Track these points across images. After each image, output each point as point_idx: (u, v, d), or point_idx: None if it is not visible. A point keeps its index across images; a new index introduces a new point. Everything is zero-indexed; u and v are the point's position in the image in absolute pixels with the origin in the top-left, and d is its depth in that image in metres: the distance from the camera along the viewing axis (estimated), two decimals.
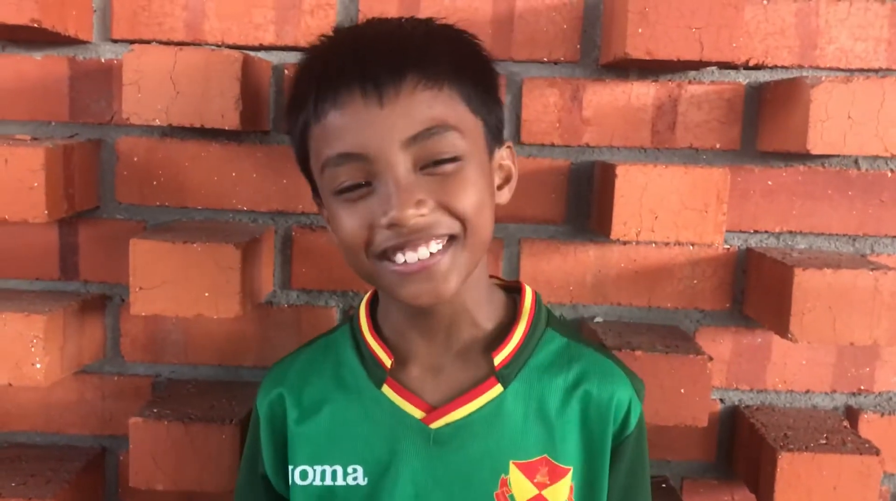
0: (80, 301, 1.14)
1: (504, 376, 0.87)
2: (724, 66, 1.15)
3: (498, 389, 0.86)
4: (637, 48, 1.01)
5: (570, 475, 0.86)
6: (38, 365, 1.04)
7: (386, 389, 0.88)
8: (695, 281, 1.19)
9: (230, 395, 1.15)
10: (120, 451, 1.23)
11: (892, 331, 1.03)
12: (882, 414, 1.20)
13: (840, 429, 1.14)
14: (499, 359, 0.87)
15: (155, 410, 1.09)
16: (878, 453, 1.07)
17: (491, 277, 0.95)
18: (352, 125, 0.79)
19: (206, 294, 1.03)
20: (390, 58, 0.79)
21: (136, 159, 1.17)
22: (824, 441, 1.09)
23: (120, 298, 1.20)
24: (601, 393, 0.87)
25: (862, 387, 1.21)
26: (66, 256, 1.19)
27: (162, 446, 1.06)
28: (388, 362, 0.88)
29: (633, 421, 0.88)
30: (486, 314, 0.90)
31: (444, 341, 0.89)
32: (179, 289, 1.03)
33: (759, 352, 1.20)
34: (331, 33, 0.88)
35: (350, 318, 0.95)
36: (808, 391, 1.21)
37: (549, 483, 0.85)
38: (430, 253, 0.80)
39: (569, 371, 0.88)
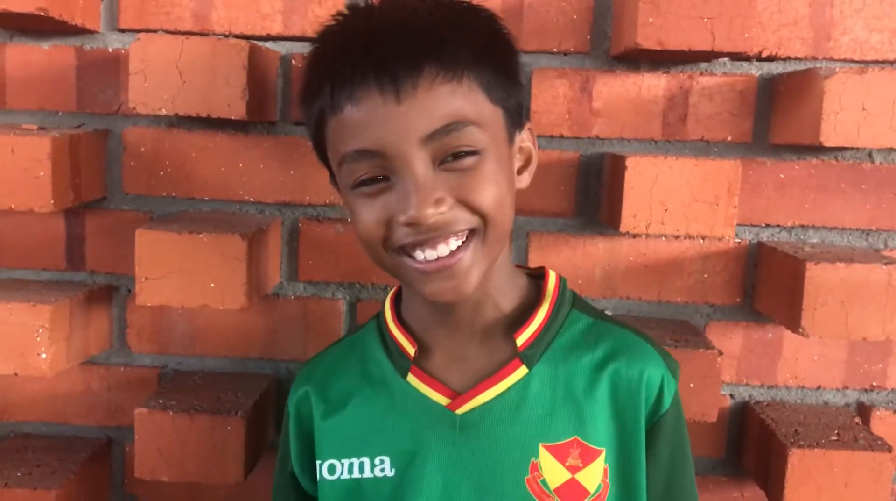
0: (87, 292, 1.13)
1: (528, 357, 0.85)
2: (737, 57, 1.13)
3: (523, 371, 0.85)
4: (648, 38, 1.00)
5: (602, 456, 0.84)
6: (44, 355, 1.03)
7: (411, 378, 0.87)
8: (705, 275, 1.17)
9: (236, 387, 1.15)
10: (126, 442, 1.22)
11: None
12: (894, 411, 1.18)
13: (852, 426, 1.12)
14: (521, 340, 0.86)
15: (161, 401, 1.08)
16: (890, 450, 1.05)
17: (517, 266, 0.95)
18: (369, 121, 0.77)
19: (212, 285, 1.02)
20: (407, 50, 0.77)
21: (143, 150, 1.16)
22: (835, 438, 1.08)
23: (126, 288, 1.20)
24: (631, 370, 0.85)
25: (874, 383, 1.19)
26: (73, 246, 1.19)
27: (167, 437, 1.05)
28: (411, 351, 0.88)
29: (668, 399, 0.85)
30: (510, 299, 0.89)
31: (468, 327, 0.88)
32: (185, 280, 1.02)
33: (769, 347, 1.19)
34: (345, 12, 0.86)
35: (376, 315, 0.95)
36: (819, 387, 1.19)
37: (581, 465, 0.83)
38: (451, 250, 0.79)
39: (595, 349, 0.86)
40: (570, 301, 0.90)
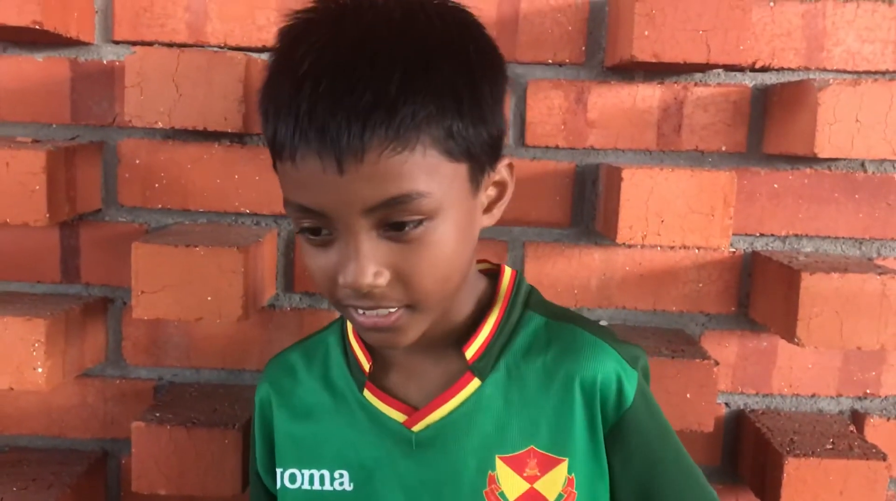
0: (82, 305, 1.13)
1: (480, 368, 0.83)
2: (730, 68, 1.14)
3: (475, 383, 0.83)
4: (644, 51, 1.01)
5: (564, 465, 0.82)
6: (40, 369, 1.03)
7: (367, 393, 0.86)
8: (700, 284, 1.18)
9: (233, 399, 1.14)
10: (122, 455, 1.22)
11: None
12: (888, 418, 1.19)
13: (846, 434, 1.13)
14: (470, 353, 0.83)
15: (157, 414, 1.08)
16: (885, 458, 1.06)
17: (479, 261, 0.91)
18: (309, 184, 0.73)
19: (209, 298, 1.02)
20: (353, 117, 0.69)
21: (138, 162, 1.16)
22: (831, 446, 1.09)
23: (122, 301, 1.19)
24: (584, 371, 0.82)
25: (868, 391, 1.20)
26: (68, 259, 1.18)
27: (164, 450, 1.05)
28: (366, 366, 0.86)
29: (629, 393, 0.82)
30: (464, 310, 0.86)
31: (422, 343, 0.82)
32: (182, 293, 1.02)
33: (764, 356, 1.19)
34: (307, 16, 0.78)
35: (340, 316, 0.93)
36: (813, 395, 1.20)
37: (539, 474, 0.82)
38: (388, 312, 0.76)
39: (548, 352, 0.83)
40: (524, 301, 0.87)
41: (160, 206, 1.17)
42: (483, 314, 0.86)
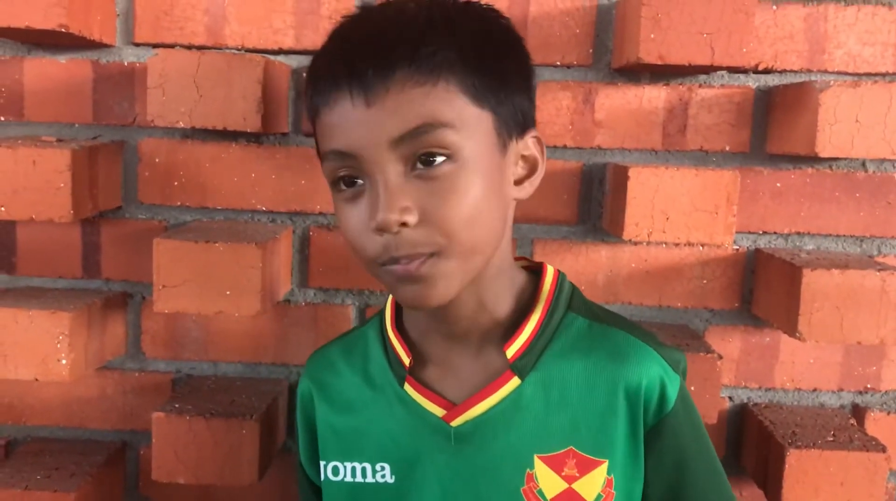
0: (103, 299, 1.16)
1: (520, 367, 0.84)
2: (734, 70, 1.16)
3: (515, 382, 0.84)
4: (650, 53, 1.04)
5: (604, 467, 0.83)
6: (64, 361, 1.06)
7: (407, 387, 0.87)
8: (704, 281, 1.21)
9: (250, 391, 1.18)
10: (140, 445, 1.25)
11: None
12: (888, 413, 1.22)
13: (847, 427, 1.16)
14: (511, 351, 0.84)
15: (177, 405, 1.11)
16: (884, 450, 1.09)
17: (519, 259, 0.94)
18: (342, 124, 0.78)
19: (228, 292, 1.05)
20: (379, 54, 0.76)
21: (157, 160, 1.19)
22: (832, 439, 1.11)
23: (141, 295, 1.23)
24: (628, 375, 0.82)
25: (869, 386, 1.23)
26: (89, 254, 1.22)
27: (183, 440, 1.08)
28: (406, 360, 0.88)
29: (672, 397, 0.83)
30: (505, 306, 0.87)
31: (462, 338, 0.87)
32: (201, 287, 1.05)
33: (767, 351, 1.22)
34: (353, 12, 0.86)
35: (380, 311, 0.95)
36: (815, 390, 1.23)
37: (578, 475, 0.83)
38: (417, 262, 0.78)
39: (590, 355, 0.84)
40: (567, 302, 0.88)
41: (179, 203, 1.20)
42: (524, 312, 0.87)
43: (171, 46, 1.16)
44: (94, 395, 1.24)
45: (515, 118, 0.83)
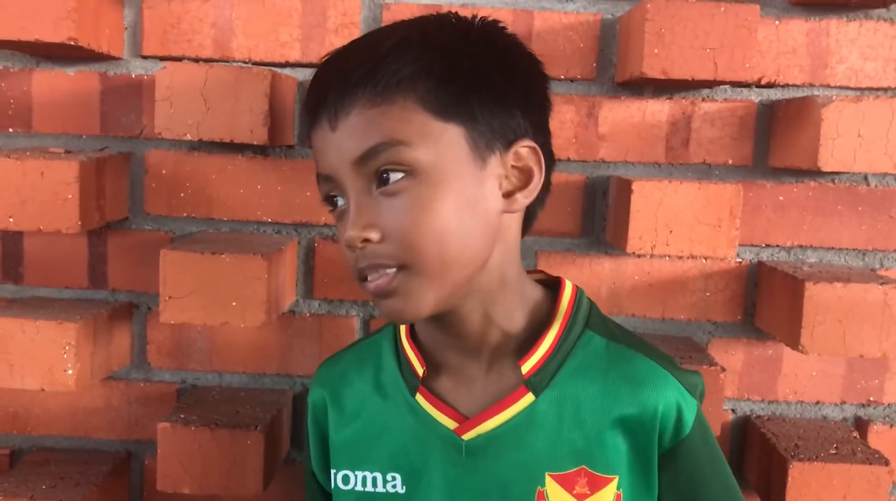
0: (109, 309, 1.17)
1: (535, 383, 0.84)
2: (737, 84, 1.17)
3: (529, 398, 0.84)
4: (653, 68, 1.05)
5: (614, 483, 0.83)
6: (70, 372, 1.07)
7: (419, 397, 0.87)
8: (707, 294, 1.21)
9: (254, 402, 1.18)
10: (145, 455, 1.26)
11: None
12: (891, 425, 1.22)
13: (850, 440, 1.16)
14: (527, 367, 0.84)
15: (182, 416, 1.12)
16: (887, 463, 1.09)
17: (535, 271, 0.94)
18: (319, 148, 0.83)
19: (234, 304, 1.06)
20: (340, 81, 0.80)
21: (164, 172, 1.20)
22: (834, 451, 1.12)
23: (147, 306, 1.23)
24: (644, 400, 0.82)
25: (871, 399, 1.23)
26: (95, 265, 1.22)
27: (189, 450, 1.09)
28: (420, 370, 0.88)
29: (689, 422, 0.83)
30: (518, 321, 0.87)
31: (474, 351, 0.87)
32: (207, 298, 1.06)
33: (770, 363, 1.23)
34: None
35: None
36: (818, 402, 1.23)
37: (589, 492, 0.83)
38: (385, 274, 0.79)
39: (607, 377, 0.84)
40: (585, 319, 0.88)
41: (185, 215, 1.21)
42: (540, 327, 0.86)
43: (179, 59, 1.18)
44: (99, 405, 1.24)
45: (497, 131, 0.82)
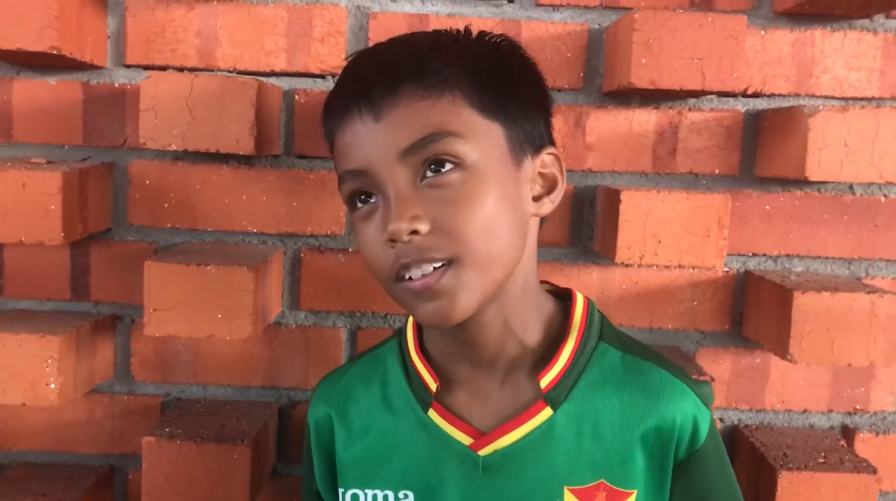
0: (92, 322, 1.15)
1: (553, 398, 0.83)
2: (723, 94, 1.18)
3: (547, 412, 0.83)
4: (641, 78, 1.05)
5: (633, 497, 0.83)
6: (53, 385, 1.05)
7: (432, 413, 0.86)
8: (695, 303, 1.21)
9: (240, 415, 1.17)
10: (129, 470, 1.24)
11: (888, 353, 1.06)
12: (877, 433, 1.23)
13: (837, 448, 1.16)
14: (545, 382, 0.83)
15: (167, 430, 1.10)
16: (875, 472, 1.09)
17: (543, 282, 0.94)
18: (353, 143, 0.81)
19: (220, 316, 1.05)
20: (385, 73, 0.80)
21: (147, 182, 1.19)
22: (822, 460, 1.12)
23: (130, 318, 1.21)
24: (662, 412, 0.83)
25: (857, 407, 1.23)
26: (78, 277, 1.20)
27: (174, 465, 1.07)
28: (433, 386, 0.86)
29: (704, 432, 0.84)
30: (534, 332, 0.87)
31: (489, 364, 0.86)
32: (193, 311, 1.04)
33: (757, 372, 1.23)
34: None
35: (398, 332, 0.94)
36: (805, 411, 1.24)
37: None
38: (433, 269, 0.78)
39: (624, 389, 0.84)
40: (598, 331, 0.87)
41: (169, 225, 1.19)
42: (556, 340, 0.86)
43: (163, 68, 1.16)
44: (82, 419, 1.22)
45: (529, 135, 0.84)
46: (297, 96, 1.18)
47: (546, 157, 0.86)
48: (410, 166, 0.78)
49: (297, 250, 1.21)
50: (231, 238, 1.20)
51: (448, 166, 0.78)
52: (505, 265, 0.81)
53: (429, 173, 0.78)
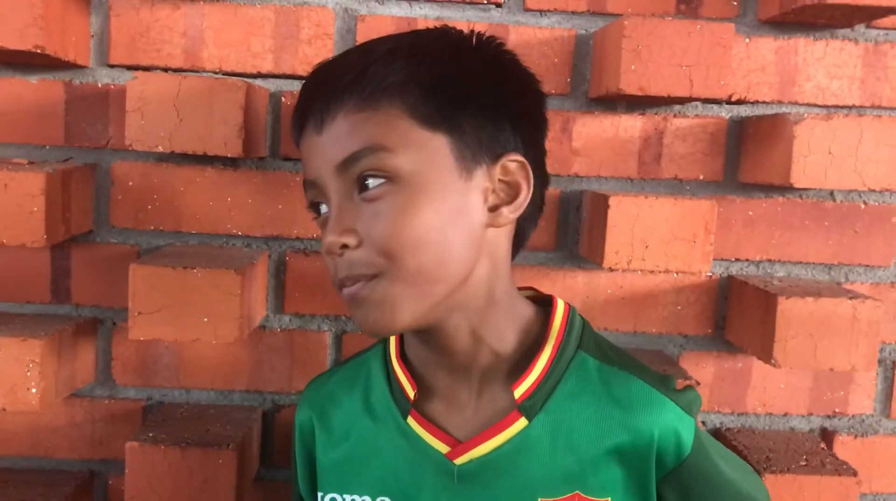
0: (74, 325, 1.13)
1: (528, 408, 0.82)
2: (708, 100, 1.19)
3: (522, 422, 0.82)
4: (630, 84, 1.05)
5: None
6: (34, 390, 1.03)
7: (411, 421, 0.86)
8: (679, 307, 1.22)
9: (224, 419, 1.16)
10: (109, 475, 1.22)
11: (868, 357, 1.07)
12: (856, 436, 1.25)
13: (818, 451, 1.18)
14: (519, 392, 0.83)
15: (151, 434, 1.09)
16: (855, 474, 1.11)
17: (526, 288, 0.93)
18: (305, 154, 0.84)
19: (205, 319, 1.04)
20: (328, 86, 0.81)
21: (130, 184, 1.17)
22: (804, 463, 1.13)
23: (112, 321, 1.20)
24: (639, 425, 0.81)
25: (837, 410, 1.25)
26: (59, 279, 1.19)
27: (158, 470, 1.06)
28: (411, 393, 0.86)
29: (688, 442, 0.82)
30: (509, 340, 0.86)
31: (464, 371, 0.85)
32: (178, 314, 1.03)
33: (740, 376, 1.24)
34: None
35: (384, 339, 0.94)
36: (786, 414, 1.25)
37: None
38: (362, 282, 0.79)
39: (600, 401, 0.82)
40: (578, 339, 0.86)
41: (152, 227, 1.18)
42: (532, 348, 0.85)
43: (147, 69, 1.15)
44: (61, 423, 1.21)
45: (484, 142, 0.81)
46: (283, 98, 1.17)
47: (509, 164, 0.83)
48: (346, 180, 0.79)
49: (282, 253, 1.20)
50: (215, 241, 1.19)
51: (379, 180, 0.78)
52: (443, 279, 0.79)
53: (363, 188, 0.78)
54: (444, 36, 0.86)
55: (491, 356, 0.85)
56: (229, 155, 1.04)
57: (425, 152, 0.79)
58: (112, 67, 1.16)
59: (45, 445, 1.21)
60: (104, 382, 1.21)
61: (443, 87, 0.80)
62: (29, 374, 1.03)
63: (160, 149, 1.04)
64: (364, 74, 0.79)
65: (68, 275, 1.19)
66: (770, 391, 1.25)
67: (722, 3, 1.17)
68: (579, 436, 0.82)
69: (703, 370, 1.24)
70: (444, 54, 0.83)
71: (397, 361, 0.89)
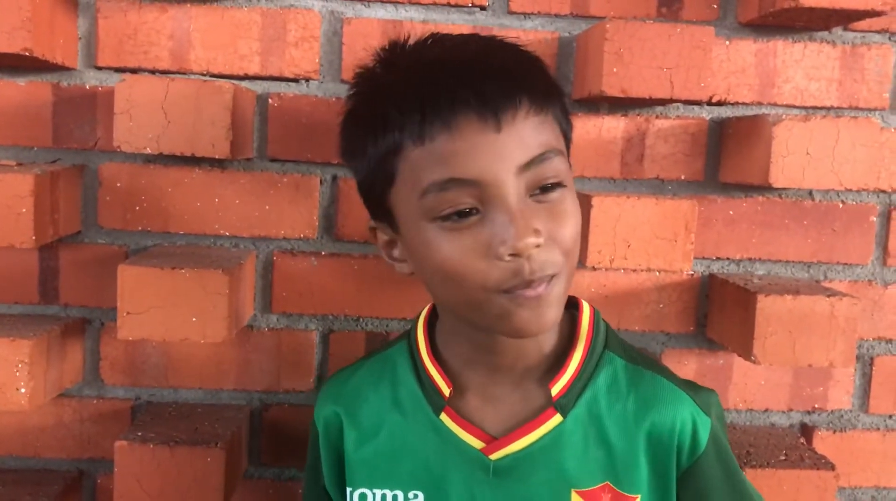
0: (62, 325, 1.14)
1: (563, 405, 0.86)
2: (689, 102, 1.21)
3: (557, 419, 0.86)
4: (612, 86, 1.07)
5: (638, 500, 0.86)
6: (23, 390, 1.04)
7: (444, 417, 0.87)
8: (661, 305, 1.24)
9: (213, 418, 1.17)
10: (97, 474, 1.23)
11: (846, 353, 1.10)
12: (835, 431, 1.27)
13: (797, 446, 1.20)
14: (556, 389, 0.86)
15: (140, 433, 1.09)
16: (833, 468, 1.13)
17: None
18: (466, 150, 0.77)
19: (194, 319, 1.05)
20: (505, 82, 0.79)
21: (118, 185, 1.18)
22: (784, 458, 1.16)
23: (100, 321, 1.21)
24: (663, 419, 0.86)
25: (816, 406, 1.28)
26: (47, 280, 1.19)
27: (147, 469, 1.07)
28: (446, 391, 0.88)
29: (704, 439, 0.87)
30: (550, 339, 0.89)
31: (508, 370, 0.88)
32: (167, 314, 1.04)
33: (721, 373, 1.26)
34: (389, 51, 0.88)
35: (406, 334, 0.95)
36: (766, 410, 1.27)
37: None
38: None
39: (628, 397, 0.87)
40: (604, 340, 0.91)
41: (140, 228, 1.19)
42: (565, 347, 0.89)
43: (135, 71, 1.16)
44: (50, 423, 1.21)
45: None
46: (270, 100, 1.18)
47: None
48: (523, 181, 0.78)
49: (269, 253, 1.21)
50: (203, 241, 1.20)
51: (555, 182, 0.80)
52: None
53: (538, 190, 0.80)
54: (525, 49, 0.89)
55: (536, 355, 0.89)
56: (217, 156, 1.06)
57: (567, 160, 0.85)
58: (100, 69, 1.17)
59: (34, 445, 1.22)
60: (92, 382, 1.22)
61: (563, 99, 0.88)
62: (18, 374, 1.04)
63: (148, 150, 1.05)
64: (535, 77, 0.83)
65: (57, 275, 1.19)
66: (751, 388, 1.27)
67: (702, 6, 1.19)
68: (609, 431, 0.86)
69: (684, 367, 1.26)
70: (547, 69, 0.89)
71: (430, 359, 0.90)
